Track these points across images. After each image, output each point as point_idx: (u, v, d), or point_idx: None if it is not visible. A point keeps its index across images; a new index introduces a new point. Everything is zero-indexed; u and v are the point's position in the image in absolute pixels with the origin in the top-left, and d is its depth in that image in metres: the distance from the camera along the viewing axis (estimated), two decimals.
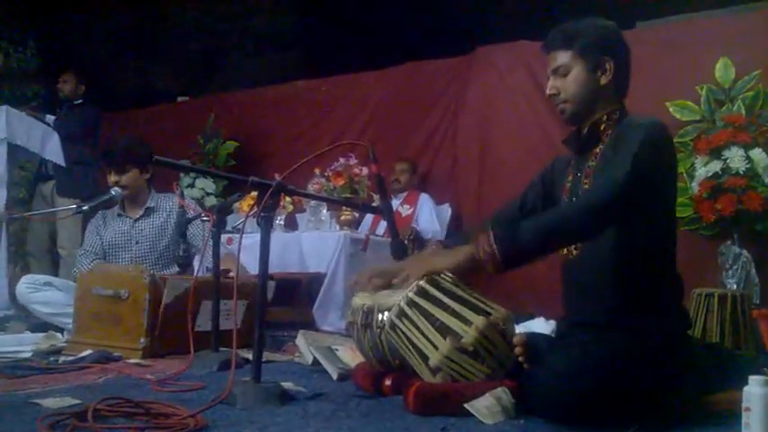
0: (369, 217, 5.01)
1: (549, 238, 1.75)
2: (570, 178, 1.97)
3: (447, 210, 5.15)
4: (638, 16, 4.93)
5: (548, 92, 1.94)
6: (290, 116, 6.21)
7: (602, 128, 1.89)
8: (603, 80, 1.88)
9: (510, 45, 5.17)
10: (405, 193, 5.18)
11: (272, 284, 3.31)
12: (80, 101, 5.31)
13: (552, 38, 1.94)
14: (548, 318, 3.30)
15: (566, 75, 1.89)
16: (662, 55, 4.39)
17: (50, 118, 5.11)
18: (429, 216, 4.99)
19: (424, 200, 5.10)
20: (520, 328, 2.04)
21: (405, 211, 5.08)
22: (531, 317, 3.39)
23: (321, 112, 6.12)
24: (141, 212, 3.42)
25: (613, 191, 1.69)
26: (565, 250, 1.92)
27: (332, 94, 6.09)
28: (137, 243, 3.39)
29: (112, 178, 3.33)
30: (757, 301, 3.64)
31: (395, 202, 5.15)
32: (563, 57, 1.89)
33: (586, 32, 1.89)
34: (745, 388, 1.41)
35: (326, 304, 3.97)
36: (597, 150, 1.89)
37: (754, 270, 3.79)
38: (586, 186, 1.88)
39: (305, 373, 2.42)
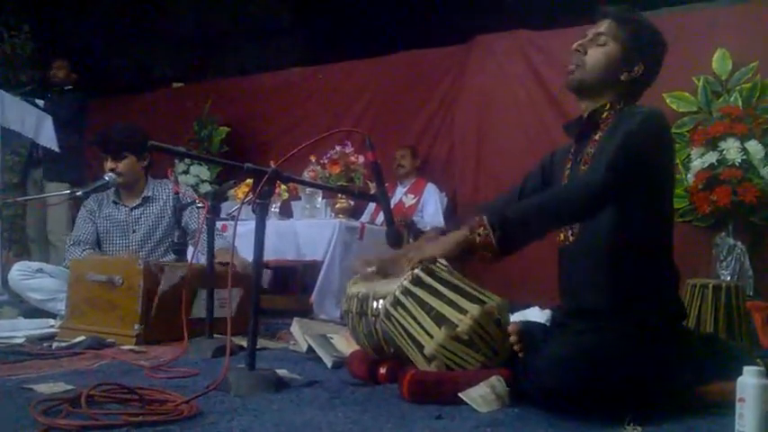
0: (371, 206, 4.99)
1: (541, 220, 1.76)
2: (569, 166, 1.96)
3: (443, 198, 5.13)
4: (637, 7, 4.91)
5: (574, 45, 1.94)
6: (286, 104, 6.17)
7: (603, 115, 1.90)
8: (624, 77, 1.89)
9: (508, 34, 5.16)
10: (411, 182, 5.15)
11: (267, 272, 3.30)
12: (70, 87, 5.39)
13: (616, 9, 1.95)
14: (543, 307, 3.30)
15: (600, 44, 1.90)
16: None
17: (40, 103, 5.10)
18: (435, 210, 4.94)
19: (430, 191, 5.06)
20: (515, 317, 2.04)
21: (408, 200, 5.05)
22: (527, 306, 3.38)
23: (317, 100, 6.09)
24: (138, 201, 3.40)
25: (606, 174, 1.70)
26: (561, 236, 1.92)
27: (328, 82, 6.06)
28: (133, 232, 3.38)
29: (109, 165, 3.31)
30: (751, 293, 3.66)
31: (399, 191, 5.14)
32: (612, 30, 1.91)
33: (643, 29, 1.92)
34: (740, 379, 1.41)
35: (323, 293, 3.96)
36: (596, 138, 1.89)
37: (748, 261, 3.80)
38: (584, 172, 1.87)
39: (300, 361, 2.42)
